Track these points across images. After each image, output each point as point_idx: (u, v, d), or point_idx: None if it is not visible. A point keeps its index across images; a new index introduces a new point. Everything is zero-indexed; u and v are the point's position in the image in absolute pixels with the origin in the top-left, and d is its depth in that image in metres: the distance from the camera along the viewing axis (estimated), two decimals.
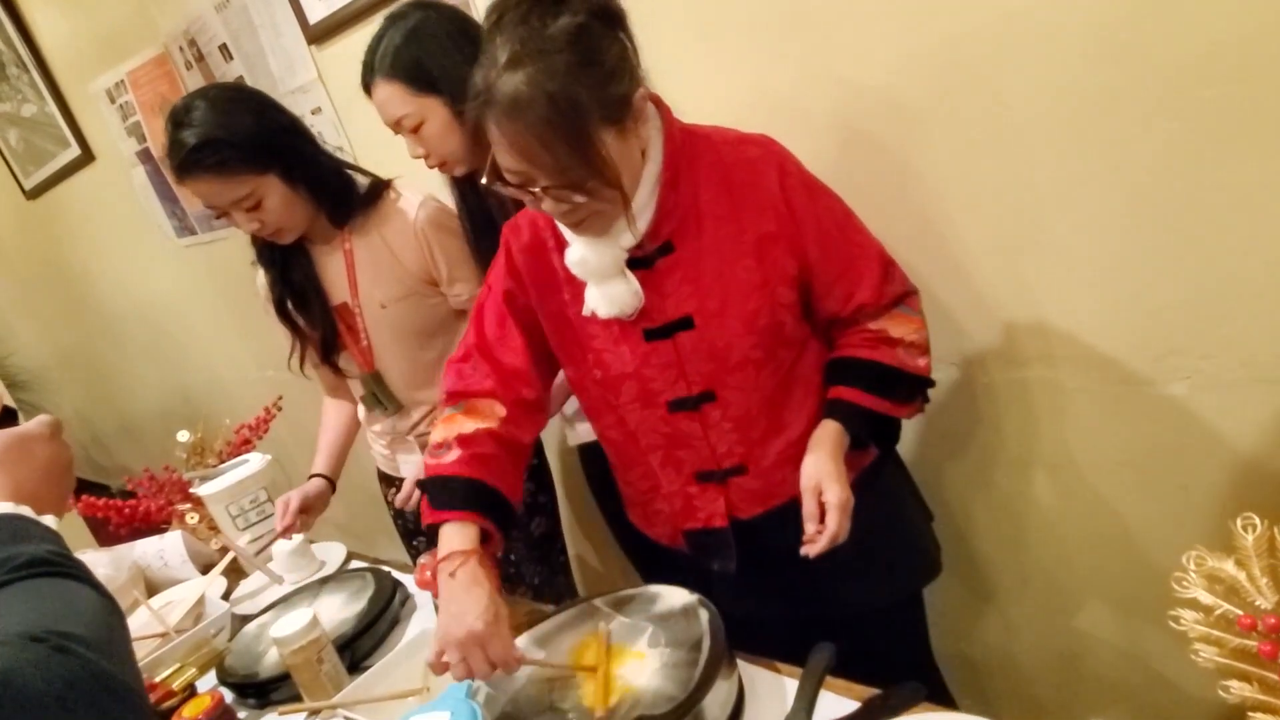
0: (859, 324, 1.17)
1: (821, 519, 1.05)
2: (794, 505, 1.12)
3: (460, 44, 1.39)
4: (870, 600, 1.25)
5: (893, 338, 1.15)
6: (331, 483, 1.80)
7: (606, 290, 1.12)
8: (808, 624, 1.17)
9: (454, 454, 1.15)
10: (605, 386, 1.20)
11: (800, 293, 1.15)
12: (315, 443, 1.85)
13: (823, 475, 1.07)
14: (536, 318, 1.22)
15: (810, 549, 1.05)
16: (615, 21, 1.01)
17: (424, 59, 1.37)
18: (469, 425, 1.17)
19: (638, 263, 1.11)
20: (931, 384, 1.20)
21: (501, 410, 1.19)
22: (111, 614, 0.73)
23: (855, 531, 1.06)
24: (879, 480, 1.23)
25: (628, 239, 1.08)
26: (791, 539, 1.08)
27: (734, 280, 1.11)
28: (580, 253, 1.11)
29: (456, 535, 1.10)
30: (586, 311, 1.15)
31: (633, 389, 1.18)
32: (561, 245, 1.15)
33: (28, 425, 0.92)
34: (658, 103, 1.11)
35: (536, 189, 1.01)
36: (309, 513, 1.72)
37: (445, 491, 1.14)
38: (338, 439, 1.85)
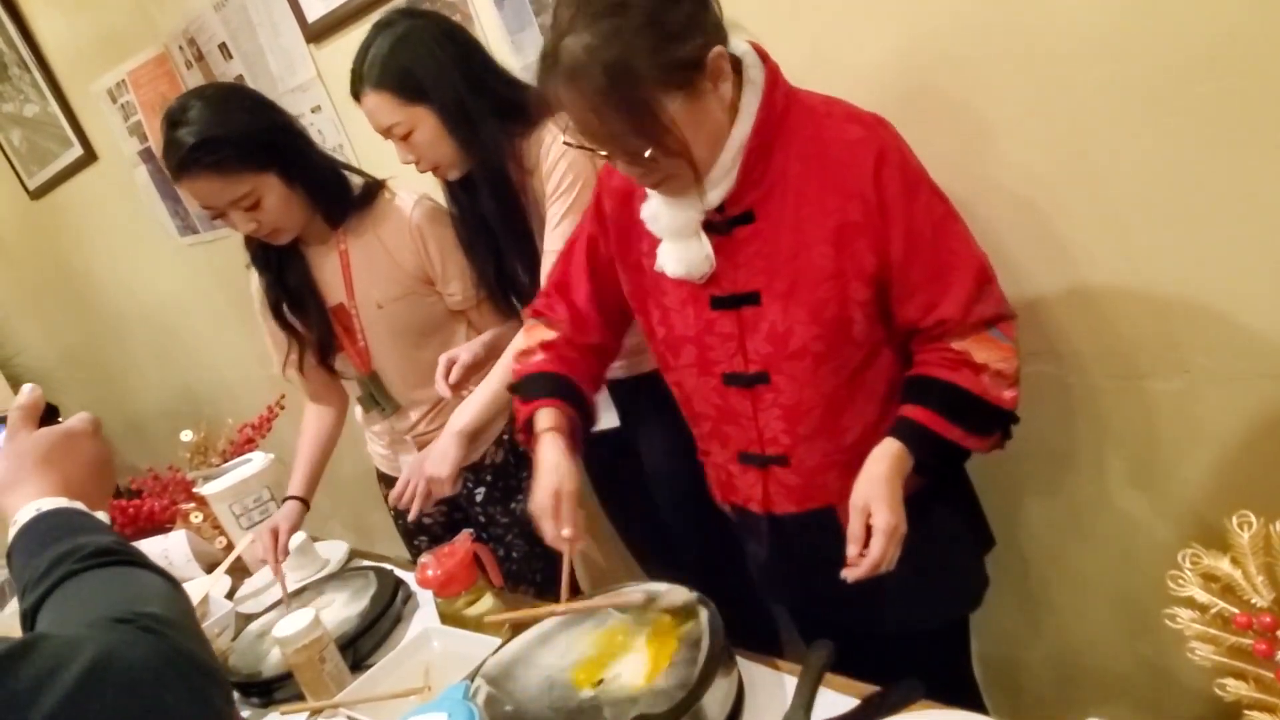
0: (941, 341, 1.07)
1: (867, 542, 1.00)
2: (829, 513, 1.10)
3: (448, 51, 1.40)
4: (901, 625, 1.19)
5: (976, 362, 1.05)
6: (307, 504, 1.76)
7: (678, 249, 1.09)
8: (841, 632, 1.10)
9: (540, 356, 1.26)
10: (667, 345, 1.20)
11: (878, 292, 1.07)
12: None
13: (874, 497, 1.00)
14: (614, 266, 1.22)
15: (850, 573, 0.99)
16: None
17: (412, 68, 1.38)
18: (550, 334, 1.27)
19: (716, 227, 1.08)
20: (1015, 420, 1.09)
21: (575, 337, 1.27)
22: (182, 598, 0.75)
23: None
24: (931, 507, 1.12)
25: (710, 199, 1.05)
26: (823, 547, 1.05)
27: (807, 264, 1.05)
28: (655, 208, 1.09)
29: (547, 417, 1.20)
30: (657, 267, 1.13)
31: (691, 354, 1.16)
32: (643, 192, 1.12)
33: (71, 422, 0.93)
34: (765, 59, 1.06)
35: (603, 151, 1.01)
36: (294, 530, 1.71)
37: (536, 385, 1.25)
38: (317, 455, 1.80)
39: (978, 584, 1.26)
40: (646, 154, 0.97)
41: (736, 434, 1.18)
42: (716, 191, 1.05)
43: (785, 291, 1.07)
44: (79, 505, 0.82)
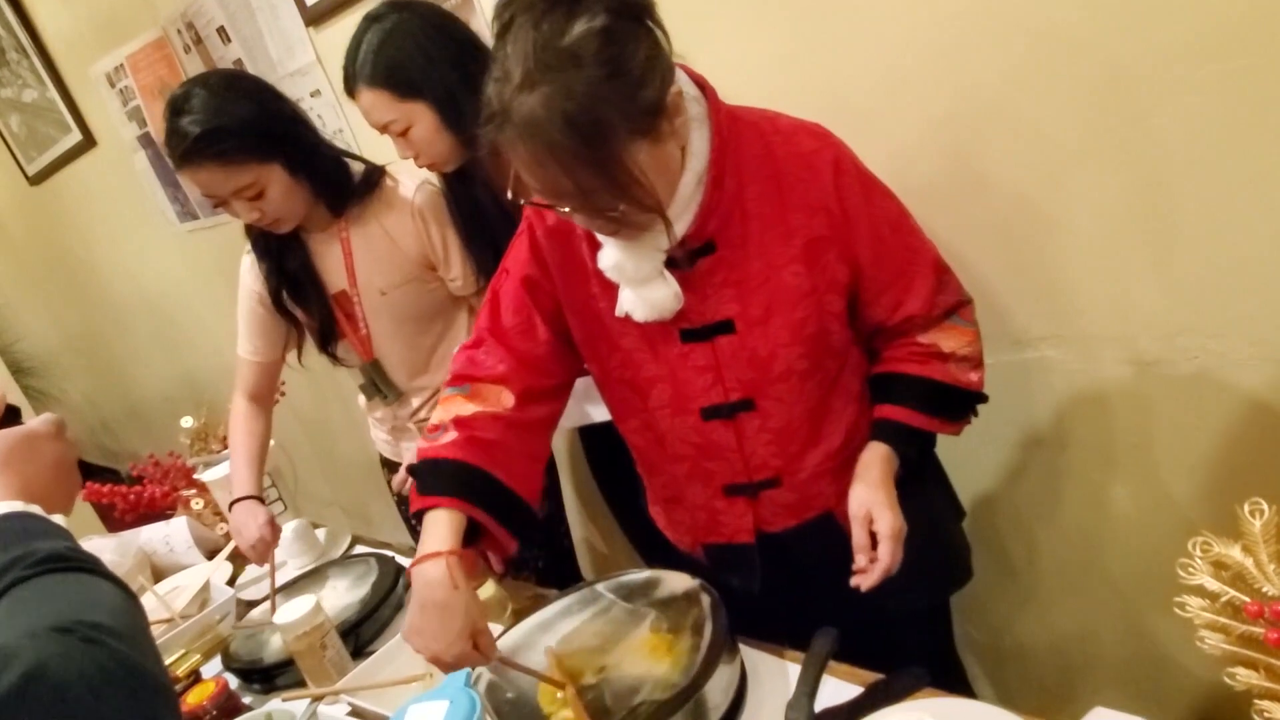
0: (907, 335, 1.09)
1: (873, 548, 1.00)
2: (827, 519, 1.10)
3: (440, 44, 1.37)
4: (903, 608, 1.17)
5: (944, 352, 1.07)
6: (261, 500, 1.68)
7: (645, 294, 1.02)
8: (834, 620, 1.09)
9: (449, 436, 1.07)
10: (634, 388, 1.12)
11: (849, 300, 1.07)
12: (318, 429, 1.85)
13: (874, 503, 1.01)
14: (559, 306, 1.12)
15: (862, 580, 0.99)
16: (640, 12, 0.89)
17: (405, 63, 1.36)
18: (469, 408, 1.09)
19: (677, 262, 1.02)
20: (984, 399, 1.12)
21: (509, 399, 1.10)
22: (131, 606, 0.73)
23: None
24: (915, 489, 1.12)
25: (666, 240, 0.98)
26: (822, 553, 1.05)
27: (781, 286, 1.03)
28: (616, 257, 1.01)
29: (438, 527, 1.01)
30: (620, 313, 1.06)
31: (665, 393, 1.10)
32: (590, 233, 1.05)
33: (33, 424, 0.91)
34: (702, 85, 1.01)
35: (565, 209, 0.94)
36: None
37: (433, 476, 1.05)
38: (262, 455, 1.72)
39: (965, 553, 1.28)
40: (620, 208, 0.90)
41: (720, 468, 1.12)
42: (677, 227, 0.98)
43: (762, 317, 1.04)
44: (36, 509, 0.80)
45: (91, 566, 0.74)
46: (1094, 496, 1.38)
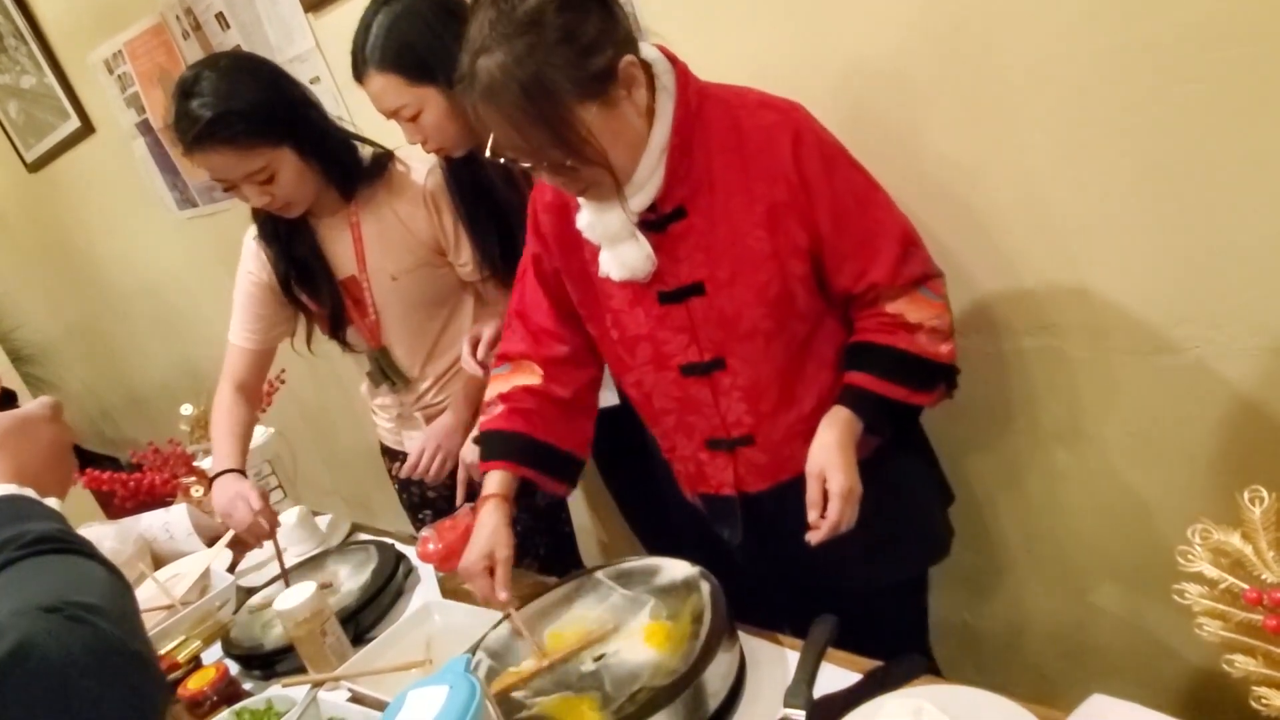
0: (875, 305, 1.13)
1: (825, 506, 1.05)
2: (801, 482, 1.11)
3: (449, 26, 1.36)
4: (871, 581, 1.24)
5: (910, 323, 1.11)
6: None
7: (618, 253, 1.12)
8: (814, 595, 1.18)
9: (497, 410, 1.26)
10: (622, 347, 1.21)
11: (813, 265, 1.12)
12: (319, 417, 1.85)
13: (827, 462, 1.06)
14: (560, 278, 1.23)
15: (812, 536, 1.05)
16: None
17: (416, 46, 1.34)
18: (508, 384, 1.27)
19: (651, 225, 1.11)
20: (955, 371, 1.16)
21: (538, 371, 1.26)
22: (121, 587, 0.74)
23: (862, 514, 1.06)
24: (890, 462, 1.20)
25: (636, 203, 1.08)
26: (796, 516, 1.07)
27: (745, 250, 1.09)
28: (589, 217, 1.12)
29: (491, 481, 1.23)
30: (601, 273, 1.15)
31: (647, 350, 1.19)
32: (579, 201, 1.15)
33: (29, 407, 0.92)
34: (673, 61, 1.09)
35: (526, 165, 1.04)
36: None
37: (487, 445, 1.26)
38: (247, 435, 1.70)
39: (944, 534, 1.32)
40: (567, 163, 1.01)
41: (701, 422, 1.20)
42: (645, 193, 1.08)
43: (728, 279, 1.10)
44: (29, 492, 0.81)
45: (82, 548, 0.75)
46: (1093, 484, 1.38)
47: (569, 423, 1.28)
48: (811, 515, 1.06)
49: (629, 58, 1.01)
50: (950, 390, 1.17)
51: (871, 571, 1.23)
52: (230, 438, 1.66)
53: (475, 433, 1.51)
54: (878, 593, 1.25)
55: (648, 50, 1.07)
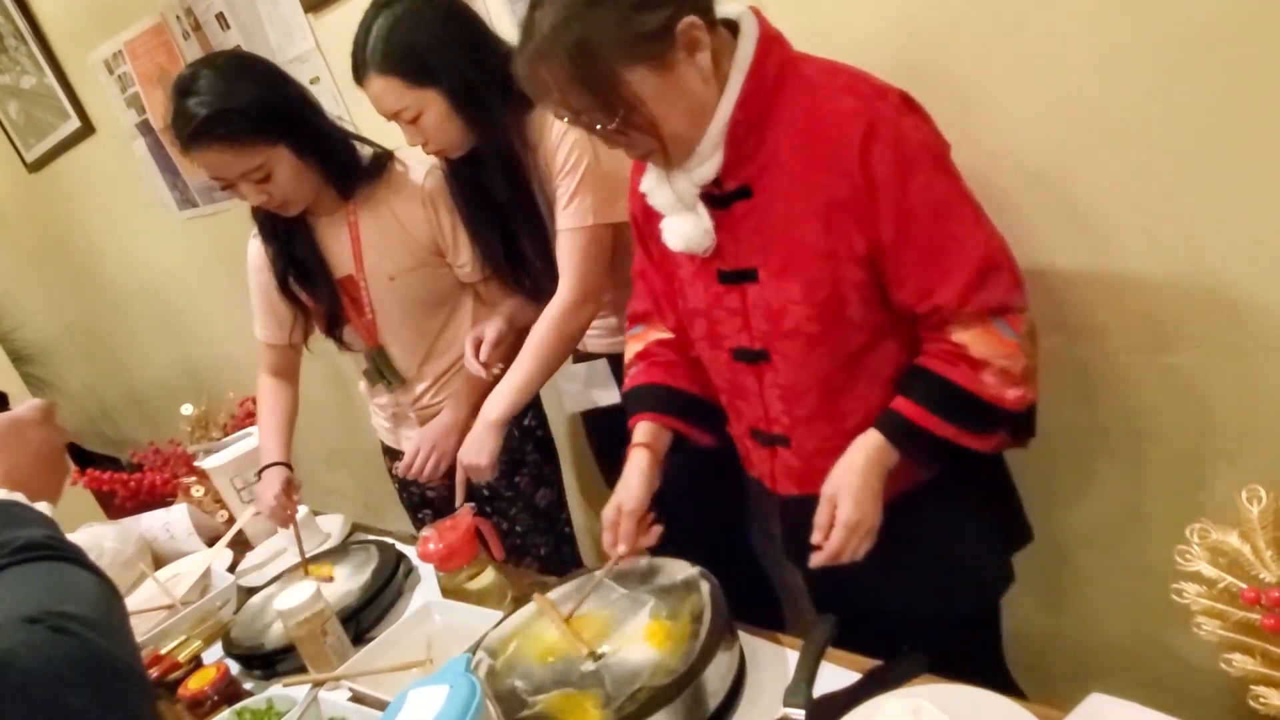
0: (940, 330, 1.03)
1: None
2: None
3: (450, 29, 1.36)
4: (897, 606, 1.15)
5: (974, 357, 1.00)
6: (291, 468, 1.72)
7: (677, 222, 1.09)
8: (855, 609, 1.09)
9: (635, 368, 1.27)
10: (685, 317, 1.20)
11: (873, 274, 1.03)
12: (320, 415, 1.85)
13: (843, 487, 1.00)
14: (649, 239, 1.22)
15: (814, 558, 1.02)
16: None
17: (417, 49, 1.34)
18: (643, 342, 1.28)
19: (715, 200, 1.06)
20: (1022, 419, 1.04)
21: (667, 324, 1.26)
22: (109, 595, 0.73)
23: (893, 548, 1.02)
24: (945, 495, 1.11)
25: (699, 175, 1.03)
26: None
27: (797, 240, 1.02)
28: (650, 182, 1.10)
29: (637, 432, 1.23)
30: (663, 240, 1.13)
31: (702, 326, 1.16)
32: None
33: (19, 410, 0.91)
34: (763, 26, 1.02)
35: (577, 126, 1.03)
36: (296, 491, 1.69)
37: (632, 400, 1.27)
38: (289, 427, 1.76)
39: (995, 579, 1.21)
40: (611, 127, 0.98)
41: (747, 409, 1.17)
42: (707, 166, 1.02)
43: (779, 269, 1.04)
44: (18, 497, 0.80)
45: (70, 555, 0.74)
46: (1094, 483, 1.39)
47: (702, 371, 1.25)
48: (815, 537, 1.02)
49: (690, 19, 0.94)
50: (1020, 439, 1.07)
51: (902, 598, 1.16)
52: (272, 433, 1.74)
53: (415, 446, 1.58)
54: (933, 622, 1.14)
55: (736, 10, 1.01)
